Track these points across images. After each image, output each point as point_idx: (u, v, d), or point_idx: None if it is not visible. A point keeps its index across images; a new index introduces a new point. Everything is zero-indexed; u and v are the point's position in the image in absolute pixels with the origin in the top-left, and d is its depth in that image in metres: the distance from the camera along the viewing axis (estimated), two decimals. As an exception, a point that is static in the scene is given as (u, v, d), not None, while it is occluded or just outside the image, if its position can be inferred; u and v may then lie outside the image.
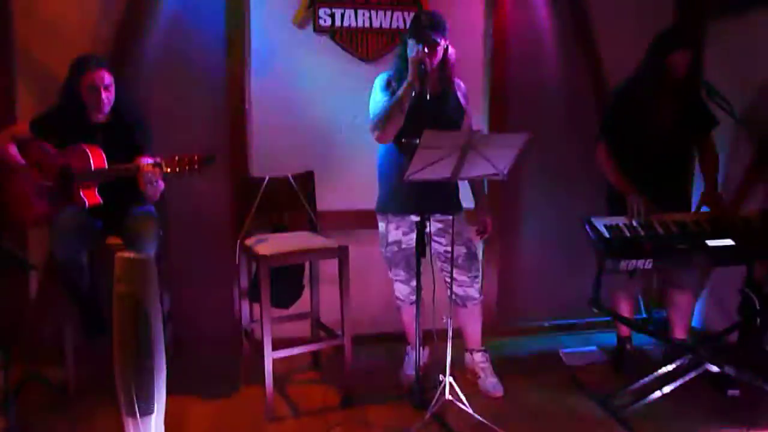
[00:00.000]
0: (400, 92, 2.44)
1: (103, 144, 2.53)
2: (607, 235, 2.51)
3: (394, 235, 2.67)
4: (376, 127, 2.52)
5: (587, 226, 2.55)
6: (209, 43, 3.04)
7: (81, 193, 2.48)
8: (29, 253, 2.91)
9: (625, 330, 3.06)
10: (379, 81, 2.63)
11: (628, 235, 2.52)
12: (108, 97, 2.55)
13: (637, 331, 3.06)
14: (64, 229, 2.44)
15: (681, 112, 2.75)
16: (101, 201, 2.53)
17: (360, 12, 3.14)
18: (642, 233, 2.53)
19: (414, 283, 2.55)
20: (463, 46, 3.14)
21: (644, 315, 3.58)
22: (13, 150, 2.59)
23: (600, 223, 2.55)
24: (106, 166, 2.49)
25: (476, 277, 2.73)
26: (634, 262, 2.43)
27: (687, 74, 2.70)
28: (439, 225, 2.67)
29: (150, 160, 2.38)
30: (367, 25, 3.15)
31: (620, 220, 2.59)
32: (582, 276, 2.86)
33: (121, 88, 2.64)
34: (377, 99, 2.57)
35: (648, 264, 2.44)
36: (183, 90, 3.04)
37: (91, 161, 2.48)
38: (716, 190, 2.75)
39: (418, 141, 2.10)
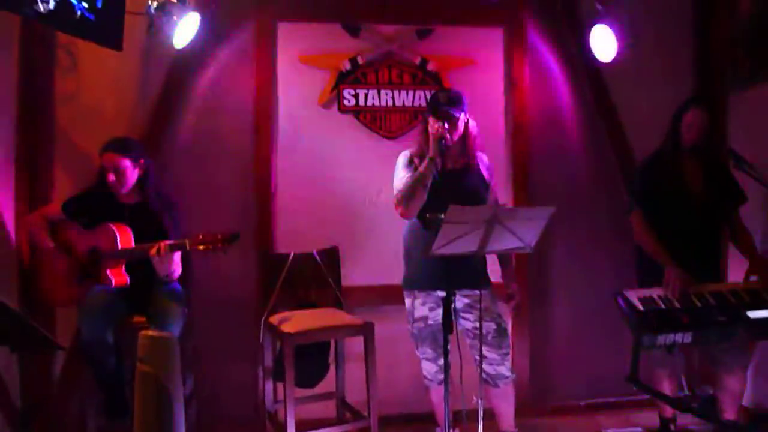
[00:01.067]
0: (422, 168, 2.47)
1: (131, 224, 2.58)
2: (641, 308, 2.42)
3: (421, 311, 2.62)
4: (400, 203, 2.53)
5: (620, 299, 2.47)
6: (238, 125, 3.15)
7: (108, 272, 2.52)
8: (56, 332, 2.92)
9: (668, 410, 2.89)
10: (402, 158, 2.67)
11: (663, 307, 2.43)
12: (119, 180, 2.59)
13: (680, 410, 2.88)
14: (92, 309, 2.45)
15: (708, 181, 2.73)
16: (128, 280, 2.55)
17: (383, 92, 3.24)
18: (678, 305, 2.44)
19: (441, 361, 2.46)
20: (485, 121, 3.19)
21: (687, 392, 3.39)
22: (44, 234, 2.65)
23: (633, 296, 2.47)
24: (134, 246, 2.53)
25: (507, 354, 2.63)
26: (671, 336, 2.33)
27: (706, 139, 2.69)
28: (467, 300, 2.61)
29: (167, 242, 2.41)
30: (390, 104, 3.25)
31: (654, 292, 2.50)
32: (620, 350, 2.74)
33: (154, 171, 2.71)
34: (400, 176, 2.60)
35: (687, 338, 2.33)
36: (212, 170, 3.13)
37: (118, 240, 2.52)
38: (762, 259, 2.67)
39: (442, 216, 2.09)
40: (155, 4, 2.64)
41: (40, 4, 2.07)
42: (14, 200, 2.84)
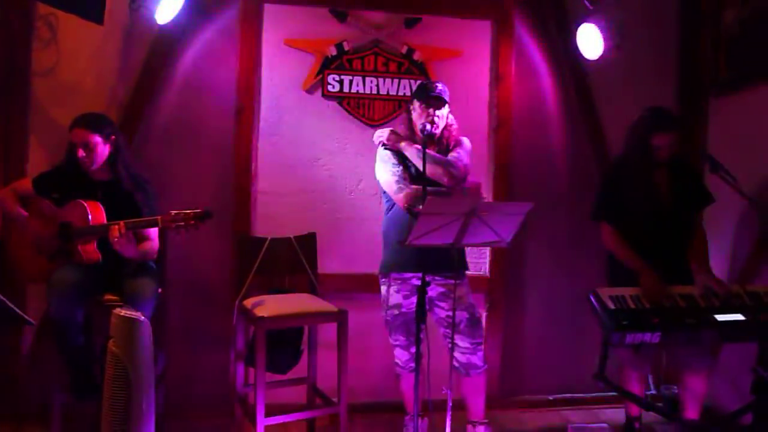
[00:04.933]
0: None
1: (103, 202, 2.53)
2: (611, 306, 2.45)
3: (395, 298, 2.63)
4: (407, 199, 2.54)
5: (592, 297, 2.50)
6: (220, 106, 3.11)
7: (79, 248, 2.48)
8: (27, 308, 2.88)
9: (634, 408, 2.93)
10: (384, 151, 2.66)
11: (633, 307, 2.47)
12: (89, 156, 2.53)
13: (645, 409, 2.93)
14: (61, 286, 2.41)
15: (677, 188, 2.74)
16: (100, 257, 2.51)
17: (368, 79, 3.22)
18: (648, 306, 2.47)
19: (414, 349, 2.48)
20: (469, 114, 3.21)
21: (653, 391, 3.45)
22: (14, 203, 2.60)
23: (605, 294, 2.50)
24: (106, 222, 2.49)
25: (479, 344, 2.66)
26: (640, 335, 2.36)
27: (676, 152, 2.70)
28: (441, 289, 2.63)
29: (130, 221, 2.39)
30: (374, 91, 3.23)
31: (627, 292, 2.53)
32: (591, 348, 2.78)
33: (125, 148, 2.66)
34: (393, 169, 2.59)
35: (655, 338, 2.37)
36: (192, 150, 3.09)
37: (90, 216, 2.48)
38: (710, 275, 2.66)
39: (421, 206, 2.10)
40: (139, -23, 2.59)
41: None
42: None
